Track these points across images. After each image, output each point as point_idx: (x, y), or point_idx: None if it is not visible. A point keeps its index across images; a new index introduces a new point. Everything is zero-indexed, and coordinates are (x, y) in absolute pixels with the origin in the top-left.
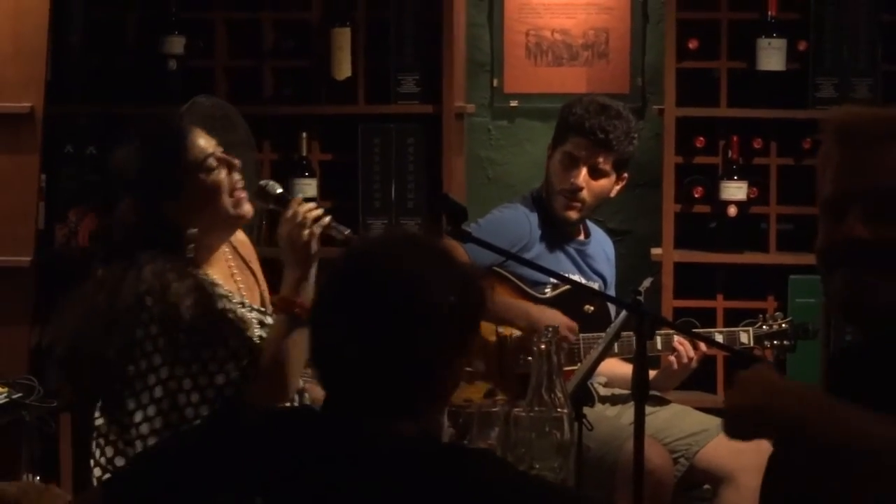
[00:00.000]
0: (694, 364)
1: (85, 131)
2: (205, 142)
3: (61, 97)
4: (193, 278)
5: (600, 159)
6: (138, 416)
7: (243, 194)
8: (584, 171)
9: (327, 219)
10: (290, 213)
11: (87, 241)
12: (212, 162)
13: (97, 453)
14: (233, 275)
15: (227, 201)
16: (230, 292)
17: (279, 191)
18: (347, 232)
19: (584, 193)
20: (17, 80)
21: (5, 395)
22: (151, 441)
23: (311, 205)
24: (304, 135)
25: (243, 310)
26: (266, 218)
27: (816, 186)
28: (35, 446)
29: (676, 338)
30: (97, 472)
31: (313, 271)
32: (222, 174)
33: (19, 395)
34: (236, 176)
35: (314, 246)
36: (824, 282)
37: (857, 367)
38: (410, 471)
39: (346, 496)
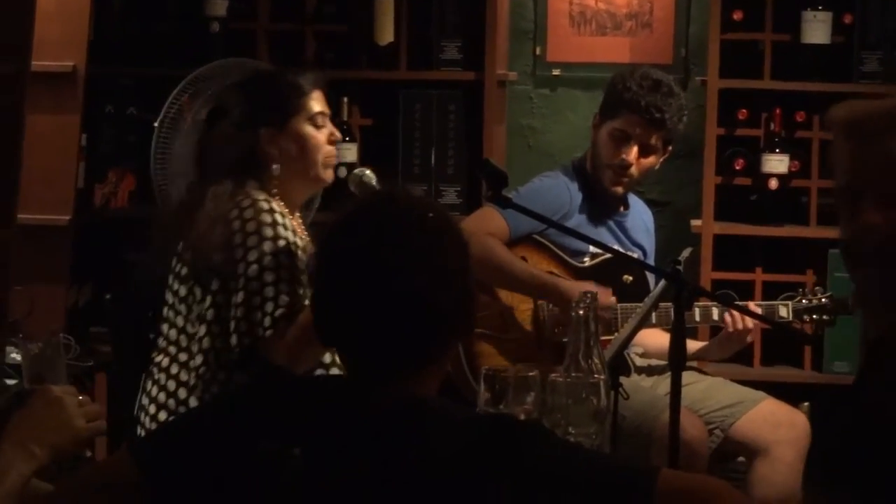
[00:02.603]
0: (749, 337)
1: (126, 92)
2: (322, 104)
3: (103, 57)
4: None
5: (653, 138)
6: (202, 331)
7: (334, 162)
8: (635, 148)
9: None
10: None
11: (126, 202)
12: (321, 120)
13: (154, 390)
14: (306, 232)
15: (318, 159)
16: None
17: (374, 181)
18: None
19: (633, 169)
20: (59, 40)
21: None
22: (203, 371)
23: None
24: (345, 100)
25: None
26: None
27: (833, 183)
28: None
29: (728, 310)
30: (152, 408)
31: None
32: (324, 136)
33: None
34: (334, 149)
35: None
36: (851, 277)
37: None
38: (452, 437)
39: (387, 457)
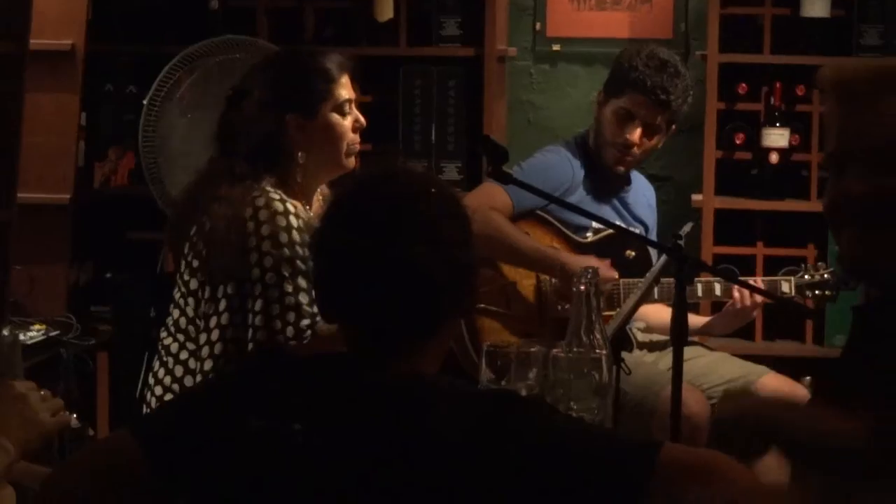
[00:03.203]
0: (754, 312)
1: (126, 70)
2: (350, 90)
3: (102, 35)
4: (300, 218)
5: (658, 119)
6: (212, 322)
7: (357, 150)
8: (639, 128)
9: None
10: None
11: (126, 180)
12: (348, 108)
13: (161, 372)
14: None
15: (342, 148)
16: None
17: None
18: None
19: (636, 149)
20: (58, 18)
21: (43, 332)
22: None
23: None
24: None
25: None
26: None
27: (824, 151)
28: (72, 384)
29: (734, 286)
30: (158, 390)
31: None
32: (350, 123)
33: (57, 332)
34: (358, 136)
35: None
36: (835, 240)
37: (882, 324)
38: (454, 413)
39: (388, 433)
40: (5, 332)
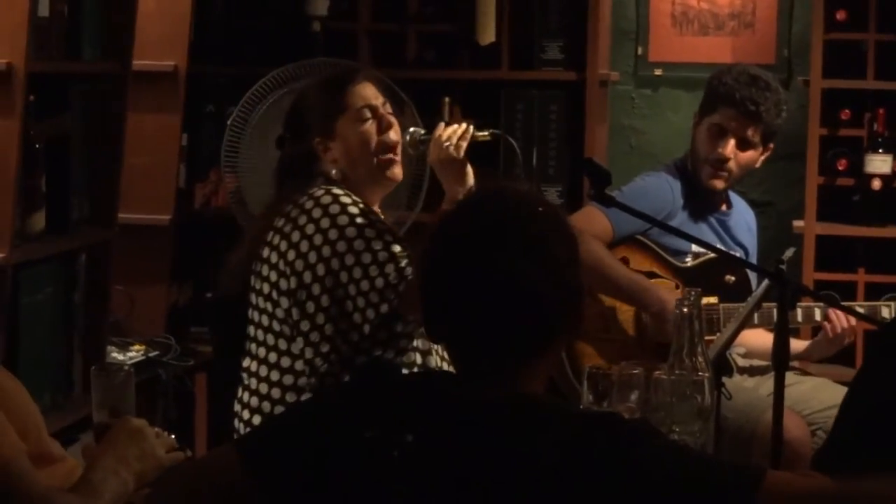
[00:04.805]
0: (849, 337)
1: (227, 91)
2: (370, 93)
3: (204, 57)
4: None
5: (749, 131)
6: (305, 326)
7: (396, 157)
8: (732, 142)
9: (470, 129)
10: (435, 137)
11: (226, 201)
12: (366, 113)
13: (245, 396)
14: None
15: (371, 153)
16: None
17: (423, 132)
18: (491, 131)
19: (731, 164)
20: (161, 39)
21: (142, 353)
22: (323, 349)
23: (453, 126)
24: (447, 99)
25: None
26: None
27: None
28: (171, 405)
29: (830, 308)
30: (245, 414)
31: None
32: (373, 128)
33: (156, 353)
34: (392, 136)
35: (465, 160)
36: None
37: None
38: (559, 431)
39: (494, 450)
40: (124, 366)
